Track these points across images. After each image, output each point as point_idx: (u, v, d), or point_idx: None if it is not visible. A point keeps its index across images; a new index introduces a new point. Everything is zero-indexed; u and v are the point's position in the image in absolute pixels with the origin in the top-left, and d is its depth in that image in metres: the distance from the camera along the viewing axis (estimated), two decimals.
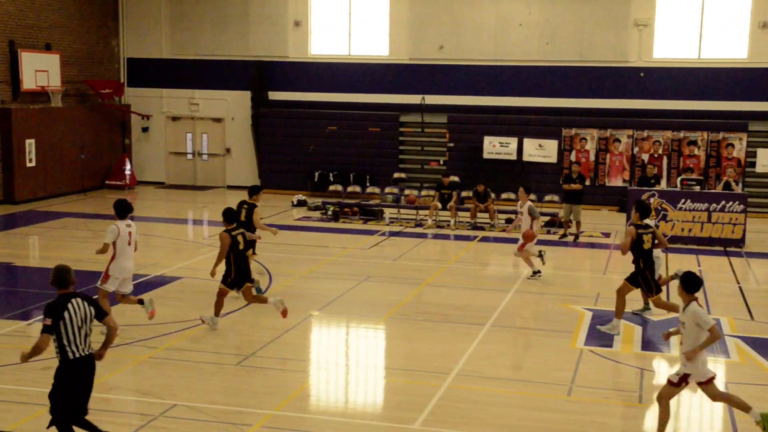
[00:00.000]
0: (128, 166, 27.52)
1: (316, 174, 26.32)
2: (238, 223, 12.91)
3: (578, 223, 20.00)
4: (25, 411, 8.95)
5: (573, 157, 24.63)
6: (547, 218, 21.60)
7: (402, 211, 22.52)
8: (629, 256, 12.22)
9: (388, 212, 22.48)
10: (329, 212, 22.55)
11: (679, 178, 20.95)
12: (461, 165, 25.44)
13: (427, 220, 21.51)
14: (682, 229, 19.42)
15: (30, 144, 23.99)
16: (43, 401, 9.13)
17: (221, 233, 12.11)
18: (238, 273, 12.05)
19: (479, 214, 21.49)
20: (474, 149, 25.43)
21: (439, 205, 21.58)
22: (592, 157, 25.06)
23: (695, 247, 19.09)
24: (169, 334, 11.83)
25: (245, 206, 14.36)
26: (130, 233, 11.67)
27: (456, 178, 23.81)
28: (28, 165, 23.89)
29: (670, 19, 25.14)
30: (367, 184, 25.14)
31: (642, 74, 25.17)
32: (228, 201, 25.88)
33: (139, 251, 17.03)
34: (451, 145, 25.94)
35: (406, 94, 26.46)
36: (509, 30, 25.82)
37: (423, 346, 11.72)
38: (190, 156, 28.87)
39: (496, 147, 25.27)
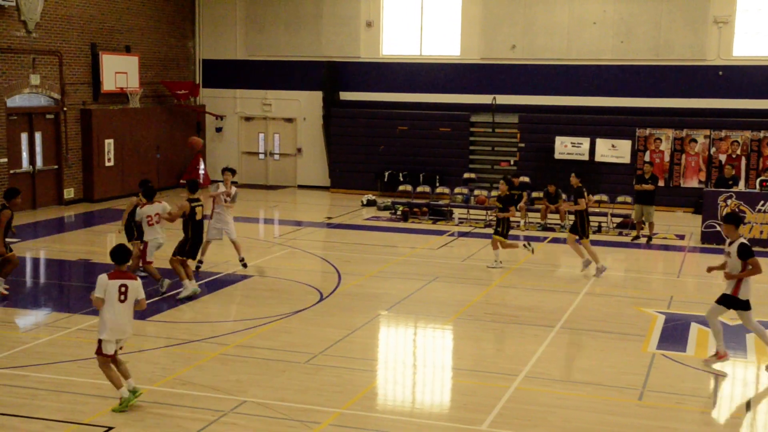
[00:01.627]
0: (202, 166, 28.03)
1: (386, 174, 26.39)
2: None
3: (651, 225, 19.62)
4: (101, 404, 9.19)
5: (647, 158, 24.17)
6: (619, 219, 21.25)
7: (471, 211, 22.43)
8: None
9: (458, 212, 22.42)
10: (398, 212, 22.59)
11: (758, 180, 20.38)
12: (532, 165, 25.22)
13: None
14: (761, 232, 18.89)
15: (109, 144, 24.66)
16: (119, 395, 9.39)
17: None
18: None
19: (549, 215, 21.27)
20: (545, 149, 25.17)
21: None
22: (666, 158, 24.55)
23: None
24: (238, 331, 12.02)
25: None
26: None
27: (526, 179, 23.63)
28: (107, 164, 24.56)
29: (751, 16, 24.48)
30: (437, 184, 25.11)
31: (720, 73, 24.56)
32: (298, 200, 26.20)
33: (211, 249, 17.37)
34: (522, 145, 25.72)
35: (477, 94, 26.36)
36: (583, 28, 25.49)
37: (491, 347, 11.66)
38: (262, 156, 29.27)
39: (567, 147, 24.97)
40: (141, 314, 12.86)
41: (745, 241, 10.81)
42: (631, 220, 20.73)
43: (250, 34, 28.54)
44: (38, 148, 22.83)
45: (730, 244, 10.84)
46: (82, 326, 12.11)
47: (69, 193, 23.69)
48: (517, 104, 26.00)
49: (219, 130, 29.14)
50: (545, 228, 20.94)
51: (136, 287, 9.24)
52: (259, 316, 12.82)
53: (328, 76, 27.43)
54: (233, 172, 16.04)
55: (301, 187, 28.50)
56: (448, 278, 15.74)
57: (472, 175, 25.58)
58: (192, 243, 13.98)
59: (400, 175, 26.13)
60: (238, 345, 11.35)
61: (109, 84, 24.52)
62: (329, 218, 22.49)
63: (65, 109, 23.34)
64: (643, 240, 19.57)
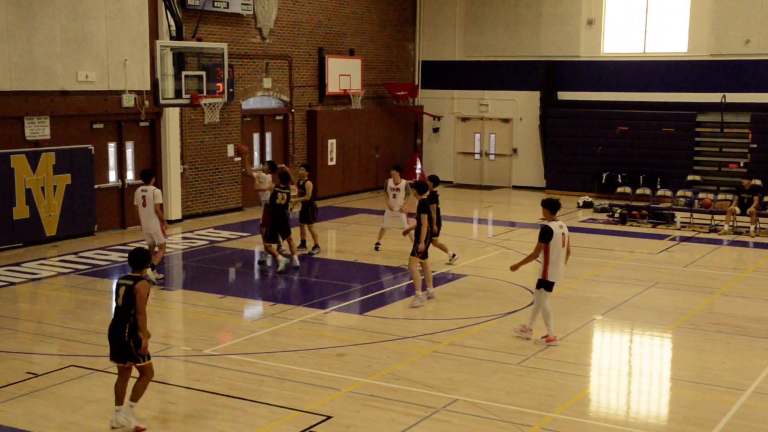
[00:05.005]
0: (419, 166, 28.60)
1: (604, 175, 25.71)
2: None
3: None
4: (321, 393, 9.63)
5: None
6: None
7: (695, 215, 21.38)
8: None
9: (680, 216, 21.44)
10: (616, 215, 21.95)
11: None
12: (765, 168, 23.63)
13: (723, 225, 20.26)
14: None
15: (332, 144, 25.75)
16: (337, 385, 9.83)
17: None
18: None
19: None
20: None
21: (738, 210, 20.24)
22: None
23: None
24: (452, 330, 12.17)
25: None
26: (143, 197, 14.44)
27: (758, 182, 22.22)
28: (329, 164, 25.64)
29: None
30: (658, 187, 24.14)
31: None
32: (513, 201, 26.09)
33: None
34: (754, 146, 24.18)
35: (705, 92, 25.11)
36: None
37: (715, 359, 11.08)
38: (477, 156, 29.42)
39: None
40: (358, 309, 13.38)
41: (546, 224, 11.39)
42: None
43: (468, 35, 28.75)
44: (268, 148, 24.25)
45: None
46: (305, 318, 12.73)
47: (294, 190, 24.89)
48: (749, 103, 24.48)
49: (436, 130, 29.60)
50: None
51: None
52: (472, 315, 12.92)
53: (547, 76, 27.11)
54: (398, 169, 17.85)
55: (515, 187, 28.36)
56: (668, 284, 15.12)
57: (697, 177, 24.36)
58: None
59: (619, 176, 25.37)
60: (451, 343, 11.50)
61: (333, 86, 25.59)
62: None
63: (293, 110, 24.63)
64: None
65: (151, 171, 15.11)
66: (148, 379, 8.63)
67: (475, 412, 9.13)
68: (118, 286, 8.56)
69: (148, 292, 8.46)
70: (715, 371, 10.61)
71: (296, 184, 17.22)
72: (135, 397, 8.59)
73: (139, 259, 8.61)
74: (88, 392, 9.60)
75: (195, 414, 9.03)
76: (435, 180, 15.94)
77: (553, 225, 11.37)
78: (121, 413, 8.56)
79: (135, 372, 8.64)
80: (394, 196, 17.40)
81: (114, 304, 8.69)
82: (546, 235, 11.22)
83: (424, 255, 13.33)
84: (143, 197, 14.50)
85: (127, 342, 8.45)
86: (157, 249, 14.74)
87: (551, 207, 11.52)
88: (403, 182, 17.55)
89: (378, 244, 17.51)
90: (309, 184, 17.15)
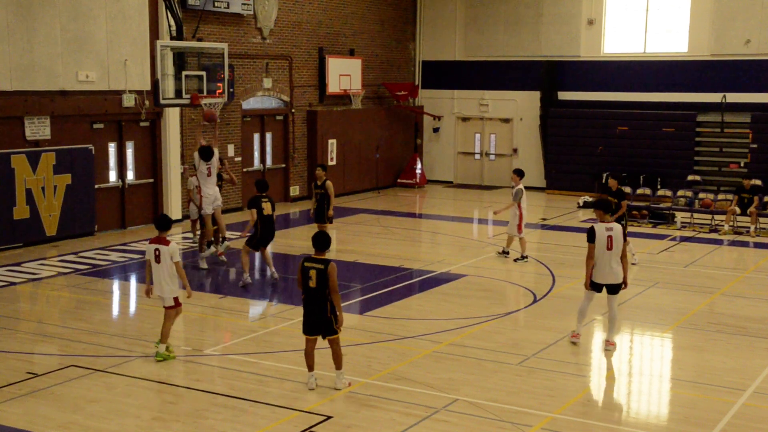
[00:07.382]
0: (419, 166, 28.60)
1: (604, 175, 25.68)
2: None
3: None
4: (321, 393, 9.62)
5: None
6: None
7: (695, 215, 21.37)
8: None
9: (680, 216, 21.44)
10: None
11: None
12: (765, 168, 23.63)
13: (723, 225, 20.26)
14: None
15: (332, 144, 25.74)
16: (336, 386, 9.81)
17: None
18: None
19: None
20: None
21: (738, 210, 20.24)
22: None
23: None
24: (452, 330, 12.17)
25: None
26: (209, 168, 15.58)
27: (758, 182, 22.22)
28: (330, 163, 25.61)
29: None
30: (658, 187, 24.14)
31: None
32: None
33: (425, 247, 17.67)
34: (755, 146, 24.18)
35: (705, 93, 25.10)
36: None
37: (715, 359, 11.08)
38: (477, 156, 29.42)
39: None
40: (358, 309, 13.37)
41: (592, 225, 11.32)
42: None
43: (469, 35, 28.75)
44: (268, 148, 24.26)
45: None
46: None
47: (294, 190, 24.98)
48: (749, 102, 24.48)
49: (436, 130, 29.60)
50: None
51: (168, 251, 10.55)
52: (472, 315, 12.92)
53: (547, 76, 27.12)
54: (519, 173, 17.13)
55: None
56: (669, 284, 15.11)
57: (697, 177, 24.35)
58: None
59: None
60: (451, 343, 11.50)
61: (333, 86, 25.59)
62: (544, 219, 22.24)
63: (293, 110, 24.63)
64: None
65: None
66: (340, 346, 9.67)
67: (476, 412, 9.13)
68: (307, 269, 9.55)
69: (336, 271, 9.54)
70: (716, 371, 10.60)
71: (313, 184, 17.01)
72: (338, 366, 9.68)
73: (324, 241, 9.76)
74: (88, 392, 9.60)
75: (195, 414, 9.03)
76: (262, 185, 15.29)
77: (598, 226, 11.24)
78: (337, 380, 9.70)
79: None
80: None
81: (305, 286, 9.57)
82: (590, 235, 11.19)
83: (254, 246, 14.88)
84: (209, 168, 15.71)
85: (328, 318, 9.54)
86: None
87: (603, 207, 11.45)
88: (516, 187, 16.78)
89: (507, 252, 17.19)
90: (329, 184, 16.78)
